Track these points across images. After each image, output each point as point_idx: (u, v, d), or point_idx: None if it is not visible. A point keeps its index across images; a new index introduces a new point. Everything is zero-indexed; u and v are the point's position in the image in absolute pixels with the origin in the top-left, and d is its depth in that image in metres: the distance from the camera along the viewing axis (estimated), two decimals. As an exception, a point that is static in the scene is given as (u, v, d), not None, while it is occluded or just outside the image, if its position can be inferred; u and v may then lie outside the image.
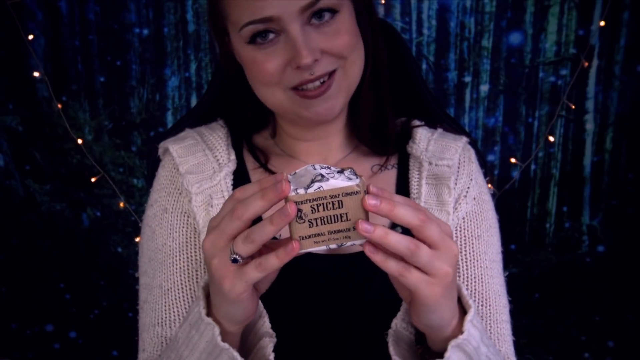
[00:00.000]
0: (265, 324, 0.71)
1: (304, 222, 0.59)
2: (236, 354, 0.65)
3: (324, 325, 0.83)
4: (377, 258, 0.59)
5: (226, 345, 0.65)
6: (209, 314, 0.66)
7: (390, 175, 0.92)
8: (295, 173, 0.61)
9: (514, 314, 0.91)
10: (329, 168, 0.60)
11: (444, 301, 0.61)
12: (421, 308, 0.62)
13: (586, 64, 1.86)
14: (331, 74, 0.80)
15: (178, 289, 0.85)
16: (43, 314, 2.20)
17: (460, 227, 0.87)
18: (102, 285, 2.16)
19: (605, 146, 1.94)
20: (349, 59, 0.80)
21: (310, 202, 0.58)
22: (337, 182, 0.58)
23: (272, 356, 0.69)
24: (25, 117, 2.05)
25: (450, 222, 0.86)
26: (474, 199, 0.90)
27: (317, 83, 0.80)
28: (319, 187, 0.58)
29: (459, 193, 0.88)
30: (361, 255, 0.84)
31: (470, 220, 0.88)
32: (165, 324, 0.84)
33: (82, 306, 2.18)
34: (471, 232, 0.87)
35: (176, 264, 0.86)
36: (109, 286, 2.16)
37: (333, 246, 0.60)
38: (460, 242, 0.87)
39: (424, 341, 0.72)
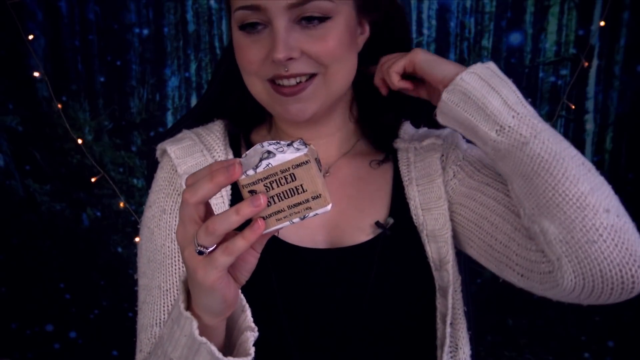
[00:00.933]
0: (247, 318, 0.70)
1: None
2: (214, 348, 0.64)
3: (322, 318, 0.83)
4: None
5: (204, 340, 0.64)
6: (188, 308, 0.66)
7: (387, 169, 0.93)
8: (246, 155, 0.60)
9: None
10: (278, 143, 0.59)
11: (437, 59, 0.80)
12: (425, 67, 0.81)
13: (586, 64, 1.86)
14: (311, 76, 0.81)
15: (176, 290, 0.85)
16: (43, 314, 2.20)
17: (457, 172, 0.88)
18: (102, 285, 2.16)
19: (605, 146, 1.94)
20: (330, 68, 0.81)
21: (262, 181, 0.57)
22: (285, 155, 0.57)
23: (252, 350, 0.68)
24: (25, 117, 2.05)
25: (443, 189, 0.87)
26: (463, 158, 0.90)
27: (293, 81, 0.81)
28: (268, 165, 0.57)
29: (446, 161, 0.90)
30: (357, 247, 0.85)
31: (464, 168, 0.88)
32: (164, 325, 0.84)
33: (82, 306, 2.18)
34: (472, 165, 0.88)
35: (175, 265, 0.86)
36: (109, 286, 2.16)
37: (296, 220, 0.59)
38: (465, 179, 0.87)
39: None
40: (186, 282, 0.67)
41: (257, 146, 0.59)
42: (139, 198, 2.09)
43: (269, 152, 0.58)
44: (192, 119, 0.99)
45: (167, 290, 0.85)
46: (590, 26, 1.85)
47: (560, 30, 1.87)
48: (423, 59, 0.81)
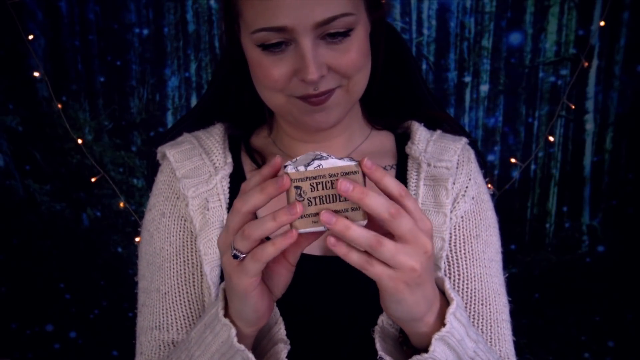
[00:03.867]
0: (281, 330, 0.72)
1: (303, 200, 0.59)
2: (251, 356, 0.66)
3: (317, 328, 0.83)
4: (340, 250, 0.59)
5: (242, 347, 0.65)
6: (226, 315, 0.67)
7: (390, 174, 0.92)
8: (296, 160, 0.61)
9: (514, 313, 0.91)
10: (330, 155, 0.61)
11: (409, 295, 0.61)
12: (386, 298, 0.63)
13: (586, 64, 1.86)
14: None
15: (175, 293, 0.85)
16: (43, 314, 2.20)
17: (458, 226, 0.87)
18: (102, 285, 2.16)
19: (605, 146, 1.94)
20: (353, 79, 0.80)
21: (309, 179, 0.59)
22: (337, 161, 0.59)
23: None
24: (25, 117, 2.05)
25: (448, 223, 0.86)
26: (473, 198, 0.90)
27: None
28: (319, 165, 0.59)
29: (457, 192, 0.88)
30: None
31: (469, 220, 0.88)
32: (163, 327, 0.85)
33: (82, 306, 2.18)
34: (469, 231, 0.88)
35: (173, 268, 0.86)
36: (109, 286, 2.16)
37: None
38: (459, 240, 0.87)
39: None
40: (225, 290, 0.69)
41: (310, 153, 0.61)
42: (139, 198, 2.09)
43: (322, 156, 0.60)
44: (192, 120, 0.99)
45: (165, 293, 0.86)
46: (590, 26, 1.85)
47: (560, 30, 1.87)
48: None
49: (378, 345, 0.70)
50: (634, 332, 2.05)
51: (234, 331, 0.66)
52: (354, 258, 0.59)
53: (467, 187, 0.89)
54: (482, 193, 0.92)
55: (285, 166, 0.60)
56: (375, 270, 0.59)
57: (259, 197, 0.59)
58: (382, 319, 0.72)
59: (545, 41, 1.88)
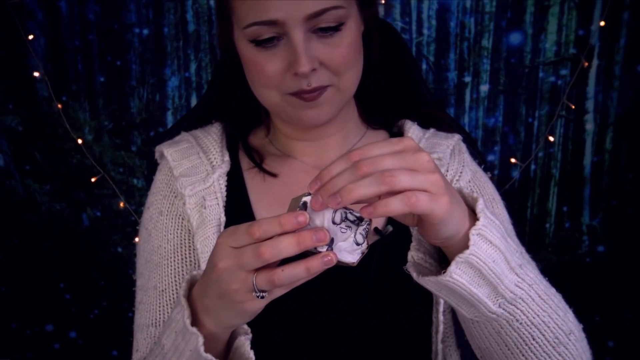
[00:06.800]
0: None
1: None
2: None
3: (316, 328, 0.83)
4: (380, 210, 0.56)
5: (209, 356, 0.65)
6: (193, 322, 0.66)
7: None
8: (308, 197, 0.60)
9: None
10: (345, 218, 0.60)
11: (454, 208, 0.59)
12: (435, 225, 0.60)
13: (586, 64, 1.86)
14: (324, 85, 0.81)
15: (172, 290, 0.86)
16: (43, 314, 2.20)
17: None
18: (102, 285, 2.16)
19: (605, 146, 1.94)
20: (343, 77, 0.81)
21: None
22: (341, 246, 0.60)
23: (251, 354, 0.69)
24: (25, 117, 2.05)
25: None
26: (469, 181, 0.90)
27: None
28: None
29: (451, 179, 0.89)
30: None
31: None
32: (160, 325, 0.85)
33: (82, 306, 2.18)
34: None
35: (171, 266, 0.87)
36: (109, 286, 2.16)
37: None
38: None
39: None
40: (186, 294, 0.68)
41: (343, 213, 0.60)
42: (139, 198, 2.09)
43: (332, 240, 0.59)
44: (192, 119, 0.99)
45: (162, 290, 0.86)
46: (590, 26, 1.85)
47: (560, 30, 1.87)
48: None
49: (415, 275, 0.67)
50: (634, 332, 2.05)
51: (201, 340, 0.64)
52: (396, 206, 0.56)
53: (461, 172, 0.90)
54: (479, 176, 0.92)
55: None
56: (422, 199, 0.56)
57: (294, 249, 0.57)
58: (412, 255, 0.68)
59: (545, 41, 1.88)
